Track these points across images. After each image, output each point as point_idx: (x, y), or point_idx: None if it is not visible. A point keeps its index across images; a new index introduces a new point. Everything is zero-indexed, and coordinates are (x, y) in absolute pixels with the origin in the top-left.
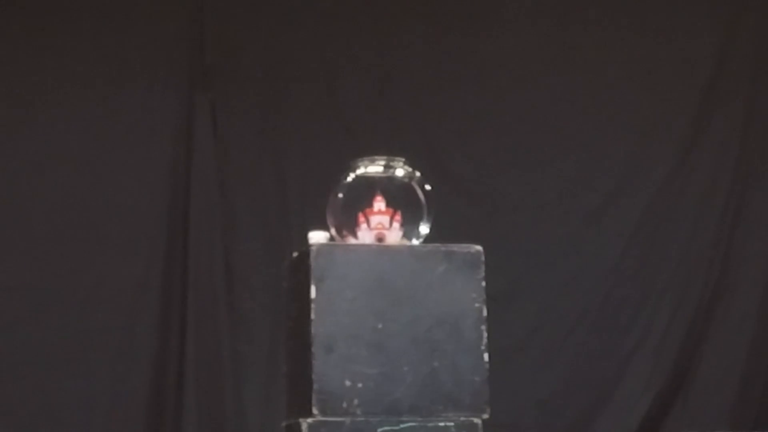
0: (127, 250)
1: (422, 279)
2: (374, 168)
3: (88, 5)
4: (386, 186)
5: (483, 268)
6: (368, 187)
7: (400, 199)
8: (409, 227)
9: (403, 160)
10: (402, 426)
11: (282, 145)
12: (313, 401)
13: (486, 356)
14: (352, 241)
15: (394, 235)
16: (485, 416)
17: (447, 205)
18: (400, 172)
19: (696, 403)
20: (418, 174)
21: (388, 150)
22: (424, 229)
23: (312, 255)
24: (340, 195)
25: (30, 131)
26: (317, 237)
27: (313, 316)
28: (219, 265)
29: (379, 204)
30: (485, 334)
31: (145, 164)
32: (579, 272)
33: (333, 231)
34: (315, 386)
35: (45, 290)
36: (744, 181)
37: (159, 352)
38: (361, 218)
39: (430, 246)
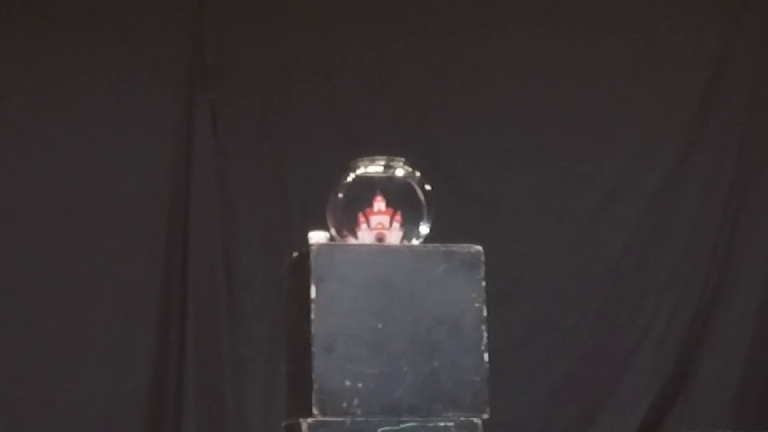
0: (127, 250)
1: (422, 279)
2: (374, 168)
3: (88, 5)
4: (386, 186)
5: (483, 268)
6: (368, 187)
7: (400, 199)
8: (409, 227)
9: (403, 160)
10: (402, 426)
11: (282, 145)
12: (313, 401)
13: (486, 356)
14: (352, 241)
15: (394, 235)
16: (485, 416)
17: (447, 205)
18: (400, 172)
19: (696, 403)
20: (418, 174)
21: (388, 150)
22: (424, 229)
23: (312, 255)
24: (340, 195)
25: (30, 131)
26: (317, 237)
27: (313, 316)
28: (219, 265)
29: (379, 204)
30: (485, 334)
31: (145, 164)
32: (579, 272)
33: (333, 231)
34: (315, 386)
35: (45, 290)
36: (744, 181)
37: (159, 353)
38: (361, 218)
39: (430, 246)
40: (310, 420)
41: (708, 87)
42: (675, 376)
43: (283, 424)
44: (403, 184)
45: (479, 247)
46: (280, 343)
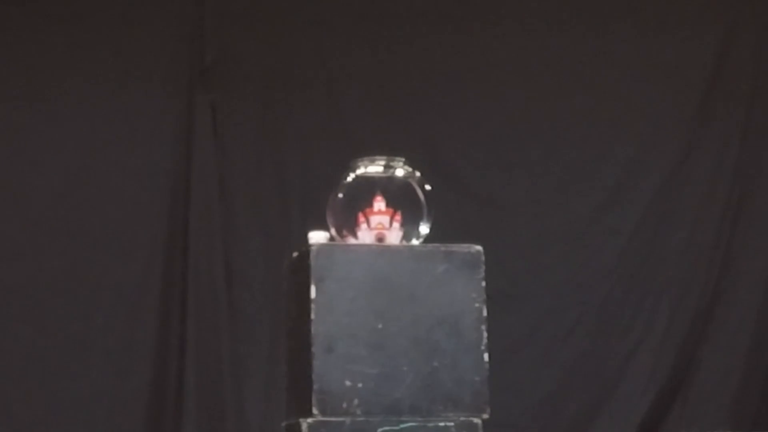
0: (128, 250)
1: (422, 279)
2: (374, 168)
3: (88, 5)
4: (386, 186)
5: (483, 268)
6: (368, 187)
7: (400, 199)
8: (409, 227)
9: (403, 160)
10: (402, 426)
11: (282, 145)
12: (313, 401)
13: (486, 356)
14: (352, 241)
15: (394, 235)
16: (485, 416)
17: (447, 205)
18: (400, 172)
19: (696, 403)
20: (418, 174)
21: (388, 150)
22: (424, 229)
23: (312, 255)
24: (340, 195)
25: (30, 131)
26: (317, 237)
27: (313, 316)
28: (219, 265)
29: (379, 204)
30: (485, 334)
31: (145, 164)
32: (579, 272)
33: (333, 231)
34: (315, 386)
35: (45, 290)
36: (744, 181)
37: (159, 353)
38: (361, 218)
39: (430, 246)
40: (310, 420)
41: (708, 88)
42: (675, 376)
43: (283, 424)
44: (403, 184)
45: (479, 247)
46: (280, 343)
